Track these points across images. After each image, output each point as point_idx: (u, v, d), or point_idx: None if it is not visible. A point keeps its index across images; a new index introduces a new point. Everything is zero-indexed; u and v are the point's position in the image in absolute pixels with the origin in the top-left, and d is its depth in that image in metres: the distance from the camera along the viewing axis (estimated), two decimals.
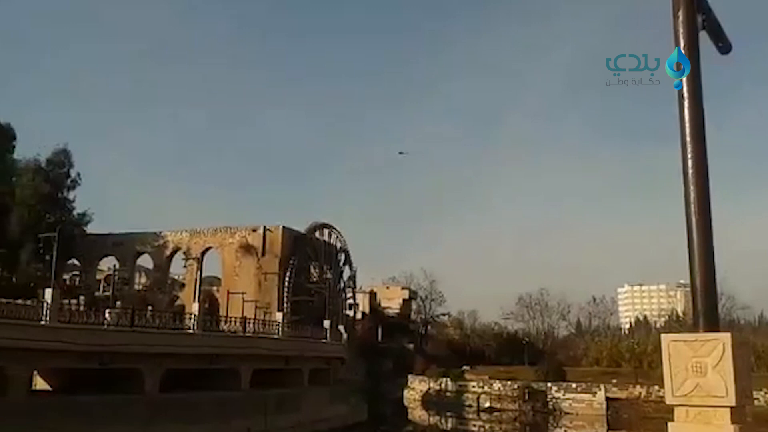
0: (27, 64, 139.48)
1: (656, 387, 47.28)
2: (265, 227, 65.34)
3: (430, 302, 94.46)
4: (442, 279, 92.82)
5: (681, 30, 4.52)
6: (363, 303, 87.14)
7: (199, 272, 64.23)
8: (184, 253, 66.11)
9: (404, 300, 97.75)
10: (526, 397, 56.12)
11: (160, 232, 67.08)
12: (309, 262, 70.06)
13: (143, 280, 71.79)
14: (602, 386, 53.89)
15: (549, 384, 56.08)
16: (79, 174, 62.97)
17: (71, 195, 62.90)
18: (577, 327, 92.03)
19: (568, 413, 53.59)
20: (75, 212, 62.97)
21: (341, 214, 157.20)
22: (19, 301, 31.82)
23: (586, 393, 54.15)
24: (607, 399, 52.81)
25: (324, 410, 40.40)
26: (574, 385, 55.36)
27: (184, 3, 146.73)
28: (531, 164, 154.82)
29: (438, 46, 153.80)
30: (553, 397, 55.17)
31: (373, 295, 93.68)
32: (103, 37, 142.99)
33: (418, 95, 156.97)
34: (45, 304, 27.68)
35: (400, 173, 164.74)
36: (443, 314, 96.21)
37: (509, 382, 58.49)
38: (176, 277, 69.69)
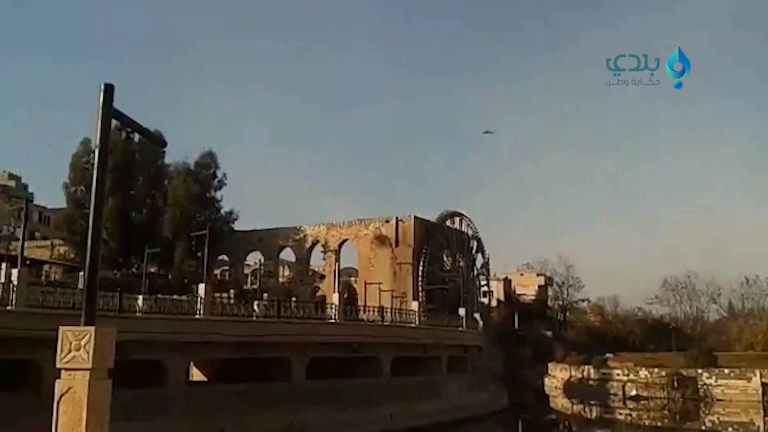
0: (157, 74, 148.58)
1: None
2: (397, 218, 66.27)
3: (568, 288, 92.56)
4: (578, 264, 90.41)
5: None
6: (497, 290, 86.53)
7: (337, 264, 66.26)
8: (323, 245, 68.40)
9: (540, 286, 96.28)
10: (676, 384, 53.78)
11: (300, 227, 69.80)
12: (441, 251, 70.34)
13: (286, 272, 75.09)
14: (757, 371, 50.81)
15: (699, 370, 53.45)
16: (224, 174, 66.82)
17: (218, 195, 66.75)
18: (729, 310, 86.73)
19: (720, 400, 50.97)
20: (222, 211, 66.75)
21: (472, 201, 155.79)
22: (176, 297, 34.35)
23: (739, 379, 51.37)
24: (763, 384, 49.71)
25: (464, 397, 40.67)
26: (726, 371, 52.64)
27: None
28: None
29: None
30: (704, 384, 52.62)
31: (507, 282, 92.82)
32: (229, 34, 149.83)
33: (540, 86, 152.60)
34: (199, 299, 29.67)
35: (532, 157, 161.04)
36: (581, 300, 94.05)
37: (656, 369, 56.25)
38: (316, 269, 72.35)
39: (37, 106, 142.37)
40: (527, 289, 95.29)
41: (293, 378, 31.26)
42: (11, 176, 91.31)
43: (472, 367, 45.59)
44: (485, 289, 78.62)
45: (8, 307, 23.24)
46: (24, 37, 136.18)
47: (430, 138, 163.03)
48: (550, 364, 68.63)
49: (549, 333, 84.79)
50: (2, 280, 26.47)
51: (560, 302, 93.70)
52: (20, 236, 36.03)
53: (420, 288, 63.53)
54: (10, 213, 68.52)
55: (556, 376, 65.66)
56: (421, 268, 64.75)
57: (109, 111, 8.77)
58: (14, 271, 25.33)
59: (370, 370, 35.29)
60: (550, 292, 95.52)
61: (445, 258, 71.58)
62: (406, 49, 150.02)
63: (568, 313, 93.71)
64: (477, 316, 52.41)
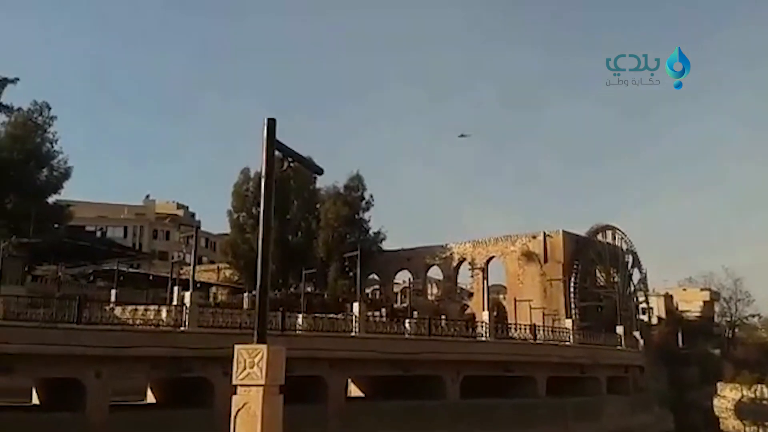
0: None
1: None
2: (545, 233, 64.93)
3: (736, 303, 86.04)
4: (747, 277, 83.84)
5: None
6: (658, 306, 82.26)
7: (484, 281, 65.84)
8: (470, 263, 68.31)
9: (705, 302, 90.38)
10: None
11: (446, 245, 70.14)
12: (593, 266, 67.99)
13: (434, 290, 75.60)
14: None
15: None
16: (371, 196, 68.78)
17: (366, 216, 68.70)
18: None
19: None
20: (371, 231, 68.53)
21: (626, 214, 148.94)
22: (332, 315, 35.62)
23: None
24: None
25: (626, 419, 38.83)
26: None
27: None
28: None
29: None
30: None
31: (669, 298, 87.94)
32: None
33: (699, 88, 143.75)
34: (354, 317, 30.57)
35: (692, 165, 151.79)
36: (752, 315, 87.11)
37: None
38: (464, 287, 72.27)
39: (201, 138, 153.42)
40: (691, 305, 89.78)
41: (447, 396, 31.31)
42: (179, 206, 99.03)
43: (634, 388, 43.45)
44: (644, 305, 74.97)
45: (181, 328, 25.17)
46: (201, 77, 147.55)
47: (571, 153, 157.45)
48: (718, 384, 64.27)
49: (716, 351, 79.19)
50: (176, 302, 28.76)
51: (728, 318, 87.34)
52: (190, 261, 38.85)
53: (573, 305, 61.65)
54: (180, 240, 74.28)
55: (726, 396, 61.42)
56: (572, 284, 62.88)
57: (272, 143, 9.46)
58: (186, 294, 27.41)
59: (525, 389, 34.62)
60: (716, 308, 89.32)
61: (598, 274, 69.09)
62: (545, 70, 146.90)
63: (737, 330, 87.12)
64: (636, 334, 50.07)
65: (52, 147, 54.17)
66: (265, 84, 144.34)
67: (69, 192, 57.38)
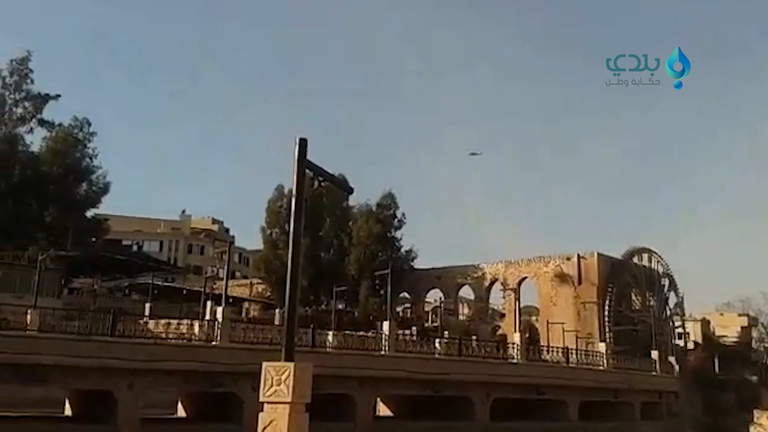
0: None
1: None
2: (579, 255, 64.23)
3: None
4: None
5: None
6: (694, 331, 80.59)
7: (517, 302, 65.26)
8: (501, 283, 67.80)
9: (742, 327, 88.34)
10: None
11: (478, 264, 69.73)
12: (629, 290, 66.95)
13: (466, 310, 75.11)
14: None
15: None
16: (404, 214, 68.82)
17: (398, 234, 68.66)
18: None
19: None
20: (402, 249, 68.48)
21: (663, 237, 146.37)
22: (362, 333, 35.62)
23: None
24: None
25: None
26: None
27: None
28: None
29: None
30: None
31: (705, 323, 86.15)
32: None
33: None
34: (383, 335, 30.55)
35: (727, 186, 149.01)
36: None
37: None
38: (496, 307, 71.71)
39: (234, 155, 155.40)
40: (728, 330, 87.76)
41: (477, 418, 31.05)
42: (214, 221, 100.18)
43: (667, 414, 42.59)
44: (680, 330, 73.54)
45: (213, 343, 25.40)
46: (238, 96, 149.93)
47: (604, 177, 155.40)
48: (755, 412, 62.52)
49: (754, 378, 77.21)
50: (208, 317, 29.07)
51: (766, 344, 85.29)
52: (223, 276, 39.22)
53: (607, 329, 60.68)
54: (214, 255, 75.15)
55: (763, 424, 59.73)
56: (607, 307, 61.96)
57: (303, 162, 9.58)
58: (218, 309, 27.69)
59: (556, 413, 34.17)
60: (754, 334, 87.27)
61: (633, 297, 67.98)
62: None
63: None
64: (672, 359, 49.15)
65: (92, 162, 55.61)
66: (299, 101, 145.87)
67: (107, 206, 58.67)
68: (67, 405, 27.60)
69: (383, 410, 34.54)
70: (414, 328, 51.31)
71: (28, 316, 24.11)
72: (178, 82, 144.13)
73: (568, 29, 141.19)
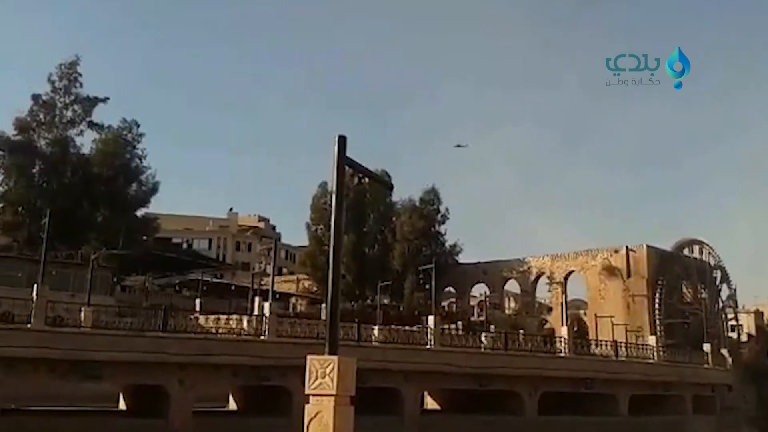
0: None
1: None
2: (627, 247, 63.25)
3: None
4: None
5: None
6: (747, 323, 78.66)
7: (564, 296, 64.56)
8: (548, 277, 67.17)
9: None
10: None
11: (524, 258, 69.18)
12: (679, 282, 65.63)
13: (512, 304, 74.64)
14: None
15: None
16: (447, 209, 68.77)
17: (442, 229, 68.61)
18: None
19: None
20: (447, 244, 68.40)
21: (713, 228, 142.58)
22: (407, 328, 35.71)
23: None
24: None
25: None
26: None
27: None
28: None
29: None
30: None
31: (759, 314, 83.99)
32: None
33: None
34: (429, 330, 30.60)
35: None
36: None
37: None
38: (542, 301, 71.08)
39: (279, 153, 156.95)
40: None
41: (525, 412, 30.88)
42: (261, 218, 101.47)
43: (720, 408, 41.64)
44: (733, 322, 71.77)
45: (261, 337, 25.82)
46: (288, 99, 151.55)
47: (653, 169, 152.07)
48: None
49: None
50: (256, 312, 29.56)
51: None
52: (270, 272, 39.74)
53: (657, 322, 59.64)
54: (261, 252, 76.17)
55: None
56: (657, 300, 60.89)
57: (342, 159, 9.67)
58: (266, 305, 28.16)
59: (605, 407, 33.72)
60: None
61: (684, 289, 66.61)
62: None
63: None
64: (724, 352, 47.97)
65: (141, 162, 56.93)
66: (340, 99, 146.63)
67: (156, 205, 59.93)
68: (121, 400, 28.38)
69: (431, 404, 34.61)
70: (459, 323, 51.20)
71: (82, 314, 24.88)
72: (221, 83, 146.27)
73: None
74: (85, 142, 56.02)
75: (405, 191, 68.67)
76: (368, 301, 59.86)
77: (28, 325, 21.98)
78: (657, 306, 60.79)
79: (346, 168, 9.79)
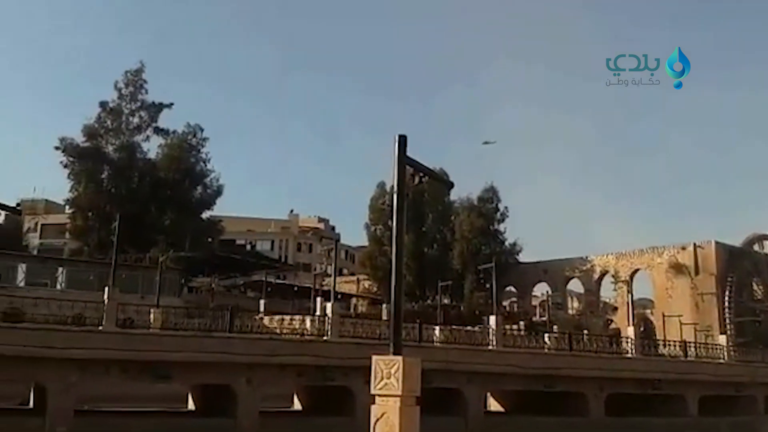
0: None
1: None
2: (695, 244, 61.50)
3: None
4: None
5: None
6: None
7: (629, 295, 63.12)
8: (612, 275, 65.86)
9: None
10: None
11: (587, 257, 68.04)
12: (750, 279, 63.47)
13: (575, 304, 73.38)
14: None
15: None
16: (506, 208, 68.24)
17: (501, 227, 68.08)
18: None
19: None
20: (506, 243, 67.81)
21: None
22: (468, 328, 35.53)
23: None
24: None
25: None
26: None
27: None
28: None
29: None
30: None
31: None
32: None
33: None
34: (490, 330, 30.35)
35: None
36: None
37: None
38: (607, 300, 69.70)
39: (336, 154, 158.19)
40: None
41: (591, 414, 30.35)
42: (320, 219, 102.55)
43: None
44: None
45: (324, 338, 26.12)
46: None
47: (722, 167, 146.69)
48: None
49: None
50: (319, 312, 29.91)
51: None
52: (331, 273, 40.15)
53: (727, 320, 57.85)
54: (321, 253, 76.99)
55: None
56: (726, 298, 59.05)
57: (403, 159, 9.76)
58: (328, 305, 28.45)
59: (675, 408, 32.85)
60: None
61: (755, 287, 64.34)
62: None
63: None
64: None
65: (205, 166, 58.38)
66: (400, 102, 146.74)
67: (219, 208, 61.32)
68: (190, 400, 29.10)
69: (494, 405, 34.36)
70: (521, 323, 50.65)
71: (152, 315, 25.65)
72: (276, 87, 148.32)
73: None
74: (151, 147, 57.91)
75: (463, 190, 68.38)
76: (428, 301, 59.85)
77: (100, 328, 22.62)
78: (727, 304, 59.04)
79: (407, 167, 9.88)
